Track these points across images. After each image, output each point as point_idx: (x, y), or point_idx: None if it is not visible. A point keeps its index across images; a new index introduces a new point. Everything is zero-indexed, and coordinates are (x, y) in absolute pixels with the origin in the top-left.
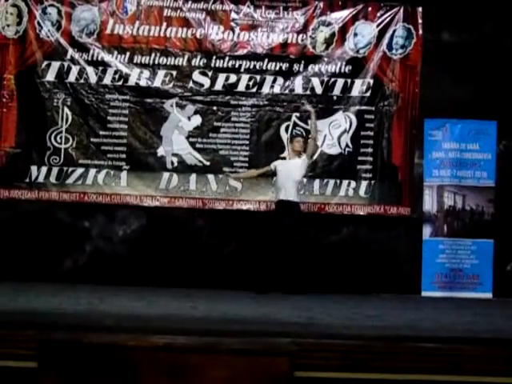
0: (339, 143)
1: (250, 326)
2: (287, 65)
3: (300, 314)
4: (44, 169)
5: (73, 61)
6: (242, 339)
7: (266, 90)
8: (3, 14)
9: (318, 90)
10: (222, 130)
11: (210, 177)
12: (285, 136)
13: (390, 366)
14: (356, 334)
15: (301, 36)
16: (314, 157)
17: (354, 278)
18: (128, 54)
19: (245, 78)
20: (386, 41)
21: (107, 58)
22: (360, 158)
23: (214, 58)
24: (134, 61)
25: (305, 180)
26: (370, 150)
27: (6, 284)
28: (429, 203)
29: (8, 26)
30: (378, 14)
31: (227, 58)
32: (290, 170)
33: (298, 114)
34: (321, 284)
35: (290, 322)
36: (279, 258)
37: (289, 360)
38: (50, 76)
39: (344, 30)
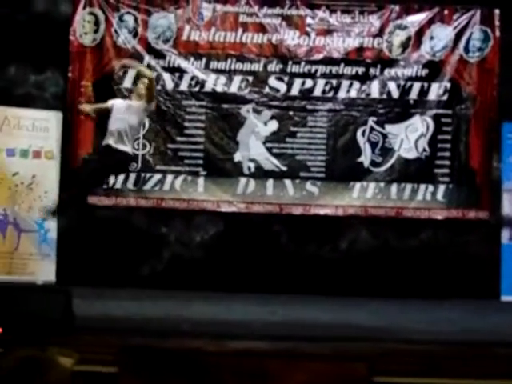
0: (416, 147)
1: (329, 330)
2: (363, 69)
3: (379, 319)
4: (121, 175)
5: (149, 67)
6: (320, 344)
7: (342, 94)
8: (80, 22)
9: (395, 94)
10: (298, 134)
11: (287, 182)
12: (362, 140)
13: (470, 372)
14: (435, 338)
15: (377, 40)
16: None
17: (432, 282)
18: (204, 60)
19: (321, 82)
20: (462, 44)
21: (183, 64)
22: (437, 162)
23: (290, 63)
24: (211, 67)
25: (382, 184)
26: (447, 153)
27: (85, 290)
28: (507, 207)
29: (85, 33)
30: (455, 17)
31: (303, 63)
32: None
33: (374, 119)
34: (399, 288)
35: (368, 327)
36: None
37: (368, 365)
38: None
39: (420, 33)
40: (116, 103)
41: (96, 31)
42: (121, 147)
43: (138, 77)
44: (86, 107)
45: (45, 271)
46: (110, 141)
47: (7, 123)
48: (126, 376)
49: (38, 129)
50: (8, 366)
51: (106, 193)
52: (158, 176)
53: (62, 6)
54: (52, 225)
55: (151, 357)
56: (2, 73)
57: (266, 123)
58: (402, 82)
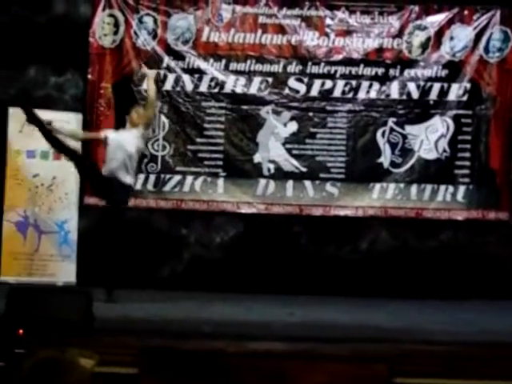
0: (436, 148)
1: (349, 332)
2: (383, 70)
3: (398, 320)
4: (141, 176)
5: (169, 69)
6: (340, 345)
7: (361, 95)
8: (100, 23)
9: (415, 94)
10: (318, 135)
11: (307, 183)
12: (381, 141)
13: (489, 373)
14: (454, 339)
15: (396, 41)
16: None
17: (452, 283)
18: (224, 61)
19: (340, 83)
20: (482, 44)
21: (203, 65)
22: (457, 163)
23: (310, 64)
24: (230, 68)
25: (402, 185)
26: (467, 154)
27: (107, 291)
28: None
29: (105, 35)
30: (475, 18)
31: (322, 64)
32: (122, 141)
33: (394, 119)
34: (418, 289)
35: (388, 328)
36: None
37: (388, 366)
38: (147, 84)
39: (440, 33)
40: (110, 135)
41: (115, 33)
42: (122, 178)
43: (132, 105)
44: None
45: (65, 272)
46: (110, 172)
47: (27, 125)
48: (147, 377)
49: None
50: (28, 367)
51: None
52: (177, 177)
53: (81, 8)
54: (72, 226)
55: (171, 358)
56: (23, 75)
57: (285, 124)
58: (422, 83)
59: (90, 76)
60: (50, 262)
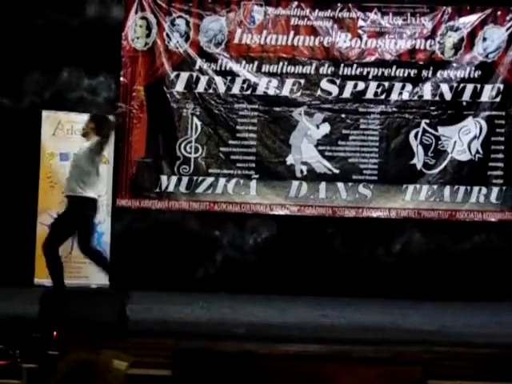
0: (469, 149)
1: (382, 334)
2: (415, 71)
3: (432, 322)
4: (174, 178)
5: (201, 71)
6: (374, 347)
7: (394, 96)
8: (132, 26)
9: (447, 95)
10: (350, 137)
11: (340, 185)
12: (414, 142)
13: None
14: (489, 341)
15: (429, 42)
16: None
17: (485, 285)
18: (256, 63)
19: (373, 85)
20: None
21: (235, 67)
22: (491, 164)
23: (342, 65)
24: (262, 70)
25: (435, 186)
26: (500, 155)
27: (140, 293)
28: None
29: (137, 38)
30: (508, 18)
31: (355, 66)
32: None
33: (427, 121)
34: (452, 291)
35: (421, 330)
36: None
37: (422, 368)
38: (179, 87)
39: (473, 34)
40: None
41: (148, 35)
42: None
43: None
44: None
45: (99, 275)
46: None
47: (61, 128)
48: (180, 379)
49: None
50: (63, 369)
51: (158, 196)
52: (210, 179)
53: (114, 11)
54: (105, 228)
55: (204, 360)
56: (56, 78)
57: (318, 126)
58: (455, 84)
59: (122, 78)
60: (83, 265)
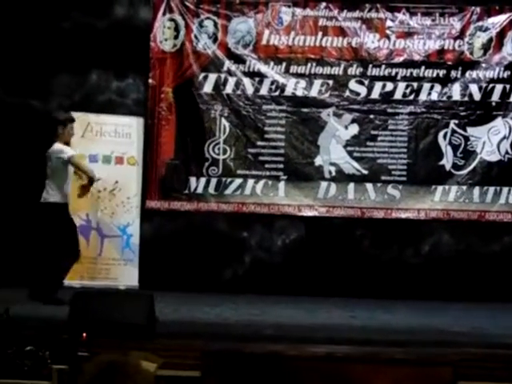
0: (499, 150)
1: (411, 335)
2: (444, 71)
3: (462, 323)
4: (203, 180)
5: (229, 72)
6: (403, 349)
7: (423, 97)
8: (161, 28)
9: (476, 96)
10: (379, 138)
11: (369, 186)
12: (443, 143)
13: None
14: None
15: (458, 42)
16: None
17: None
18: (284, 64)
19: (401, 85)
20: None
21: (263, 68)
22: None
23: (370, 66)
24: (290, 71)
25: (464, 187)
26: None
27: (169, 295)
28: None
29: (165, 40)
30: None
31: (383, 66)
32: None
33: (456, 121)
34: (481, 292)
35: (452, 332)
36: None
37: (452, 370)
38: (208, 88)
39: (502, 34)
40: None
41: (176, 37)
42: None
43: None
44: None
45: (128, 276)
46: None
47: (90, 129)
48: (209, 380)
49: (120, 135)
50: (92, 370)
51: (187, 198)
52: (238, 181)
53: (141, 13)
54: (135, 230)
55: (233, 361)
56: (85, 80)
57: (346, 127)
58: (484, 84)
59: (151, 80)
60: (112, 266)
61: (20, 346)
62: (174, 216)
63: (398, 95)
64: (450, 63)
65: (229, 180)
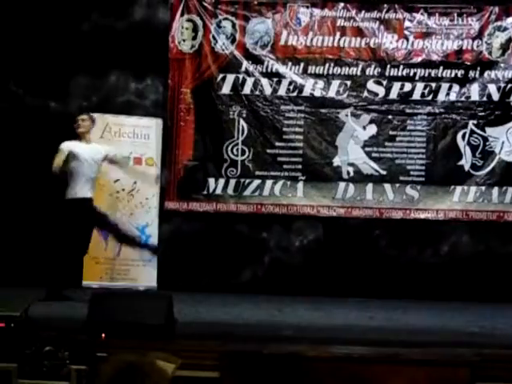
0: None
1: (430, 335)
2: (463, 72)
3: (481, 324)
4: (221, 181)
5: (248, 73)
6: (421, 349)
7: (441, 97)
8: (179, 29)
9: (495, 96)
10: (397, 138)
11: (387, 186)
12: (462, 143)
13: None
14: None
15: (476, 42)
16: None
17: None
18: (302, 64)
19: (420, 86)
20: None
21: (282, 69)
22: None
23: (389, 66)
24: (308, 71)
25: (483, 188)
26: None
27: (187, 295)
28: None
29: (184, 40)
30: None
31: (402, 67)
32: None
33: (474, 122)
34: (500, 293)
35: (470, 332)
36: None
37: (470, 371)
38: (226, 89)
39: None
40: (75, 147)
41: (194, 38)
42: (86, 194)
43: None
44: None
45: (146, 277)
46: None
47: (108, 130)
48: (228, 381)
49: (139, 136)
50: (110, 370)
51: (206, 199)
52: (257, 181)
53: (160, 14)
54: (153, 231)
55: (252, 362)
56: (103, 81)
57: (364, 127)
58: (503, 85)
59: (170, 81)
60: (131, 267)
61: (39, 346)
62: (193, 217)
63: (416, 95)
64: (468, 63)
65: (247, 181)
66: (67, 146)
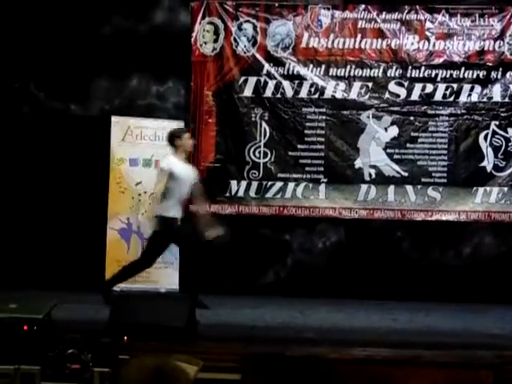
0: None
1: (452, 338)
2: (484, 72)
3: (504, 326)
4: (243, 183)
5: (269, 75)
6: (443, 352)
7: (463, 98)
8: (200, 31)
9: None
10: (419, 140)
11: (409, 188)
12: (484, 145)
13: None
14: None
15: (498, 43)
16: None
17: None
18: (323, 66)
19: (441, 87)
20: None
21: (303, 71)
22: None
23: (410, 68)
24: (330, 73)
25: (505, 189)
26: None
27: (209, 297)
28: None
29: (205, 43)
30: None
31: (423, 68)
32: (189, 174)
33: (496, 122)
34: None
35: (493, 334)
36: None
37: (492, 373)
38: (248, 91)
39: None
40: (175, 167)
41: (216, 40)
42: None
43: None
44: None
45: (168, 279)
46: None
47: (130, 133)
48: (250, 383)
49: (161, 138)
50: (133, 372)
51: (228, 201)
52: (279, 184)
53: (181, 16)
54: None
55: (274, 364)
56: (125, 84)
57: (386, 129)
58: None
59: (192, 84)
60: (153, 269)
61: (62, 349)
62: (216, 219)
63: (437, 97)
64: (490, 64)
65: (269, 183)
66: (167, 165)
